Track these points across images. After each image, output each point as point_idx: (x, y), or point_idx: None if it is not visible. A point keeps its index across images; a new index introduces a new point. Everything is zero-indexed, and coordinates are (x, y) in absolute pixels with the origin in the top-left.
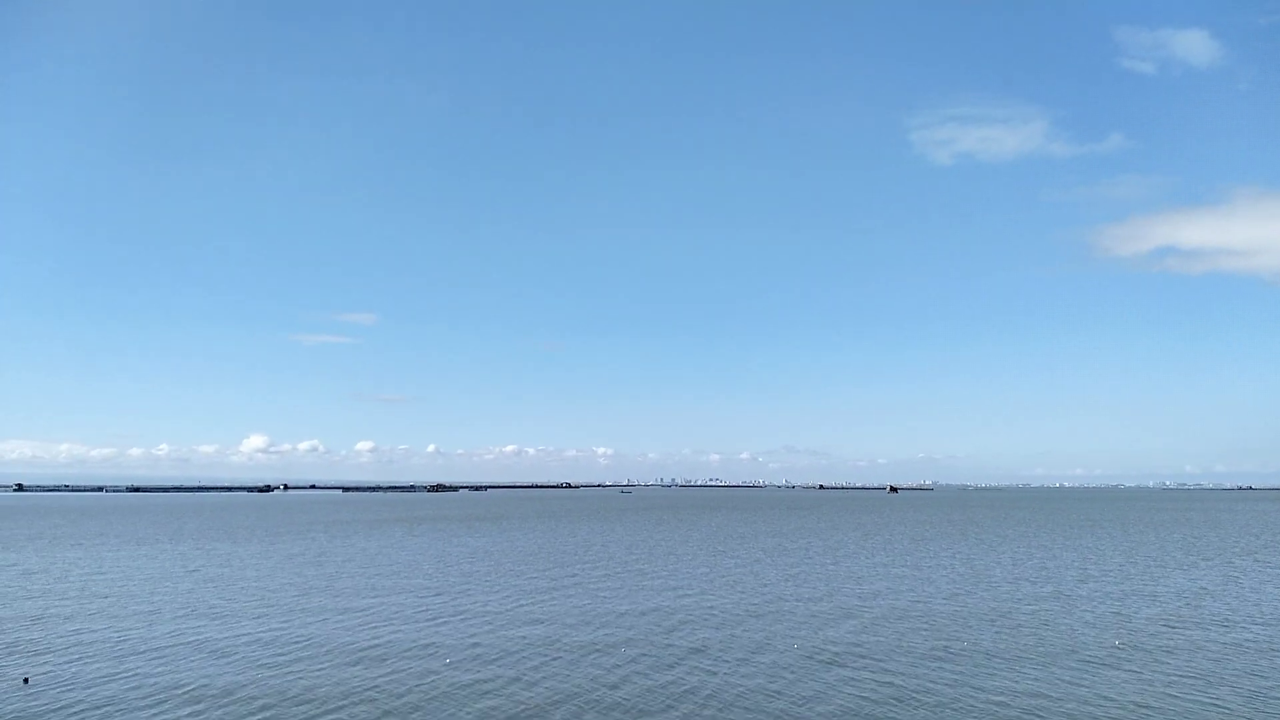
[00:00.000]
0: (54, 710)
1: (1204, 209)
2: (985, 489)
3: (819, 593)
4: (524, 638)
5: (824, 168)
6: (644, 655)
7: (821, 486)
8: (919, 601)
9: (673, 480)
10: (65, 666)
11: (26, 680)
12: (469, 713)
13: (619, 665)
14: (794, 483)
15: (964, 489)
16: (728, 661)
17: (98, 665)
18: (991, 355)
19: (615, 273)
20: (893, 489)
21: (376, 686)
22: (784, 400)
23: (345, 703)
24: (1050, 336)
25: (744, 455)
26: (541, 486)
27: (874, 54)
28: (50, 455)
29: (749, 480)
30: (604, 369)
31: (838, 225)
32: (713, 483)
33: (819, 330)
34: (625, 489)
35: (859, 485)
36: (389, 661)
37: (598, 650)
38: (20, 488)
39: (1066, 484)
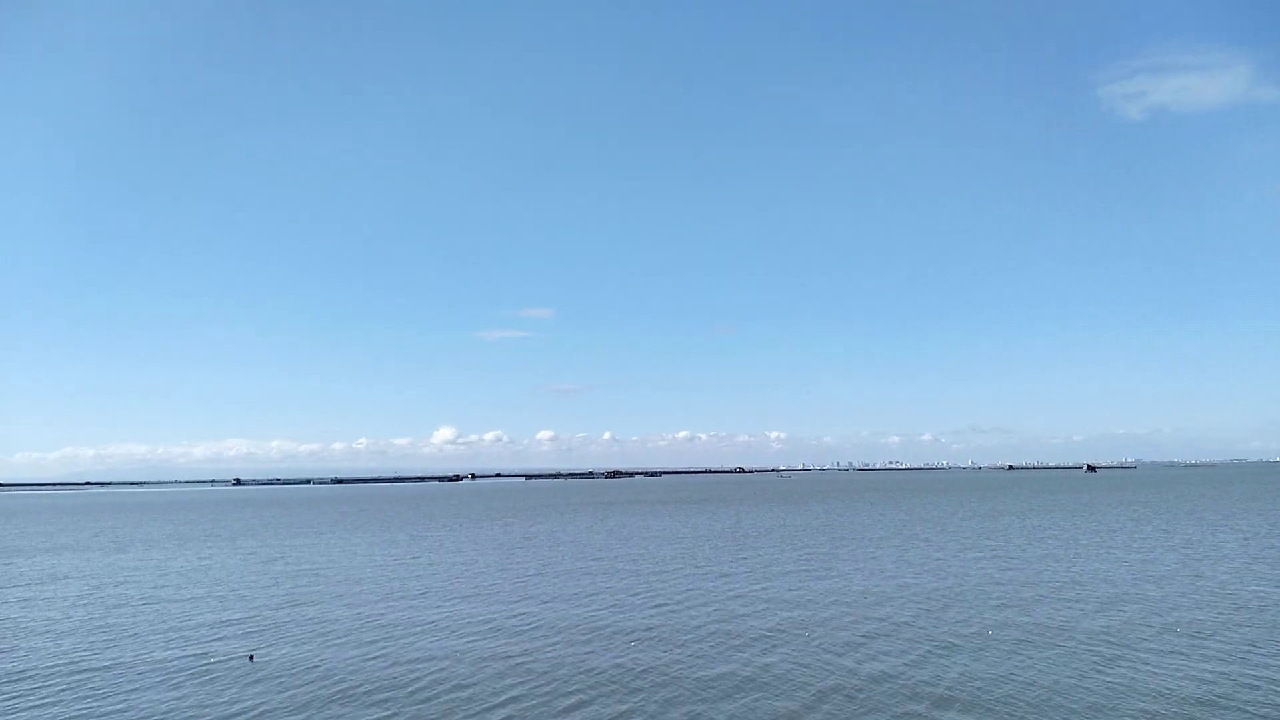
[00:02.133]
0: (272, 686)
1: None
2: (1196, 465)
3: (1044, 580)
4: (752, 620)
5: (1006, 135)
6: (887, 645)
7: (1010, 467)
8: (1141, 589)
9: (849, 464)
10: (292, 647)
11: (251, 658)
12: (729, 703)
13: (870, 657)
14: (979, 463)
15: (1171, 465)
16: (991, 654)
17: (326, 648)
18: (1196, 321)
19: (788, 254)
20: (1090, 468)
21: (611, 672)
22: (968, 378)
23: (589, 689)
24: (1262, 297)
25: (925, 436)
26: (714, 472)
27: (1054, 4)
28: (263, 451)
29: (930, 462)
30: (776, 352)
31: (1022, 196)
32: (892, 465)
33: (1004, 303)
34: (783, 474)
35: (1052, 465)
36: (619, 646)
37: (841, 636)
38: (239, 482)
39: None
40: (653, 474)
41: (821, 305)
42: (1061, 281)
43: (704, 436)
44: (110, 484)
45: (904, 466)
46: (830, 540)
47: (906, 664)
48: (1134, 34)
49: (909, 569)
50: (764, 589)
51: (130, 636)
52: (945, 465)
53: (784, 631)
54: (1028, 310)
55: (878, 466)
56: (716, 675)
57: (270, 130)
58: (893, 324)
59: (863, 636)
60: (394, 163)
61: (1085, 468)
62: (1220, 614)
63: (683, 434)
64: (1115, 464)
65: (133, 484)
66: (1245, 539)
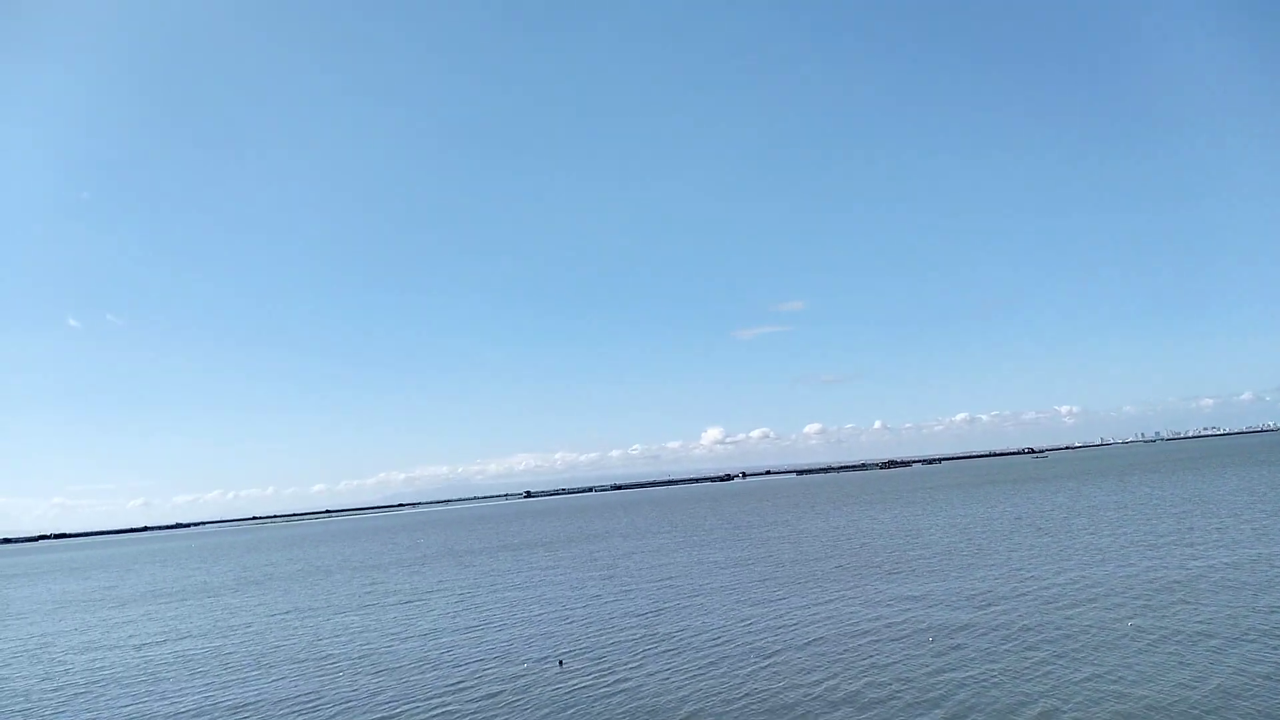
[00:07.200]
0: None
1: None
2: None
3: None
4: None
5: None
6: None
7: None
8: None
9: (1156, 434)
10: (604, 654)
11: (561, 664)
12: None
13: None
14: None
15: None
16: None
17: (643, 656)
18: None
19: (1055, 215)
20: None
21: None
22: None
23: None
24: None
25: (1245, 396)
26: (1000, 454)
27: None
28: (548, 464)
29: (1254, 424)
30: (1060, 321)
31: None
32: (1208, 432)
33: None
34: (1039, 455)
35: None
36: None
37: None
38: (529, 494)
39: None
40: (931, 461)
41: (1115, 261)
42: None
43: (985, 418)
44: (419, 504)
45: (1221, 432)
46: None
47: None
48: None
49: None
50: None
51: (498, 631)
52: (1273, 426)
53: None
54: None
55: (1189, 434)
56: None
57: (532, 176)
58: (1194, 273)
59: None
60: (632, 179)
61: None
62: None
63: (960, 417)
64: None
65: (438, 502)
66: None
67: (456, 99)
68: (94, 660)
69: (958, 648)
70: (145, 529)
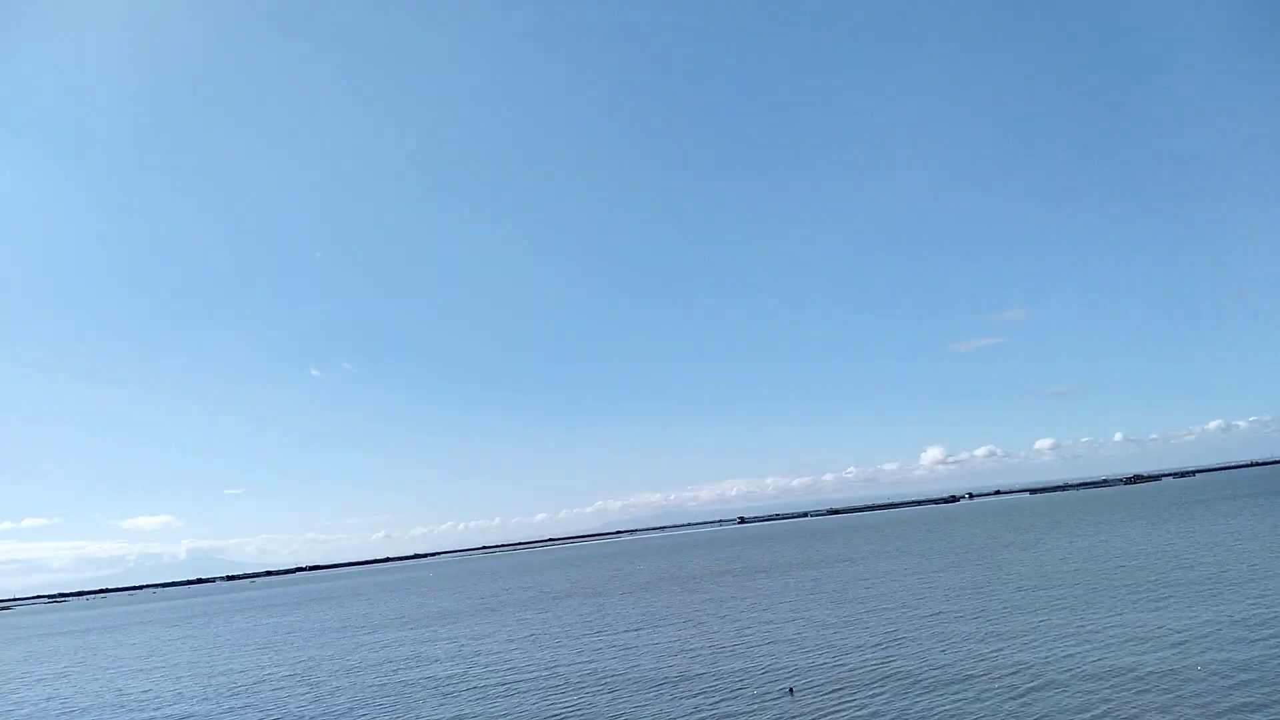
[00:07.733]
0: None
1: None
2: None
3: None
4: None
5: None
6: None
7: None
8: None
9: None
10: (838, 683)
11: (792, 691)
12: None
13: None
14: None
15: None
16: None
17: (879, 686)
18: None
19: None
20: None
21: None
22: None
23: None
24: None
25: None
26: (1263, 464)
27: None
28: (760, 489)
29: None
30: None
31: None
32: None
33: None
34: None
35: None
36: None
37: None
38: (742, 520)
39: None
40: (1183, 475)
41: None
42: None
43: (1243, 424)
44: (636, 530)
45: None
46: None
47: None
48: None
49: None
50: None
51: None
52: None
53: None
54: None
55: None
56: None
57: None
58: None
59: None
60: (837, 188)
61: None
62: None
63: (1214, 424)
64: None
65: (654, 529)
66: None
67: (685, 115)
68: (354, 683)
69: (1250, 683)
70: (387, 560)
